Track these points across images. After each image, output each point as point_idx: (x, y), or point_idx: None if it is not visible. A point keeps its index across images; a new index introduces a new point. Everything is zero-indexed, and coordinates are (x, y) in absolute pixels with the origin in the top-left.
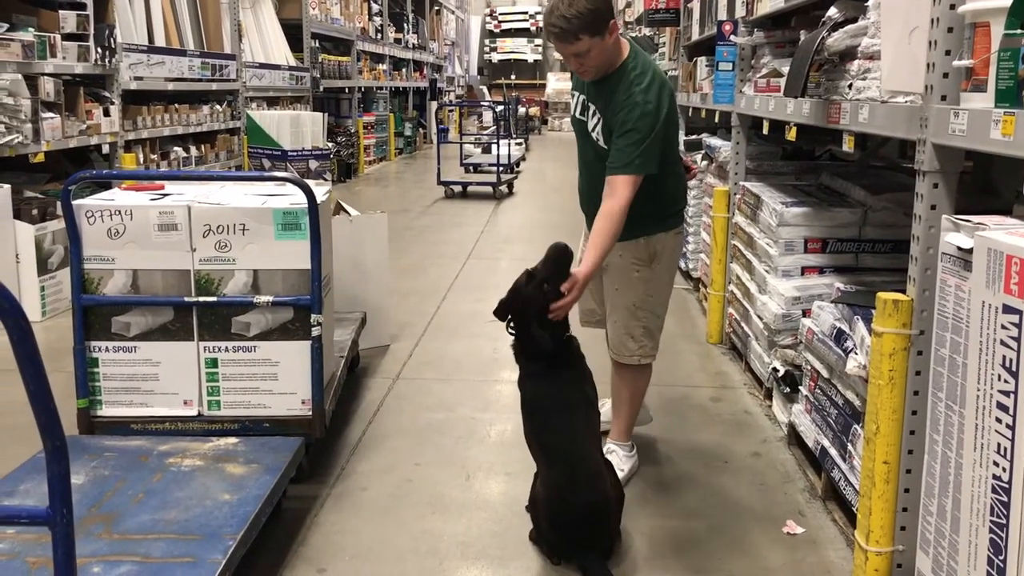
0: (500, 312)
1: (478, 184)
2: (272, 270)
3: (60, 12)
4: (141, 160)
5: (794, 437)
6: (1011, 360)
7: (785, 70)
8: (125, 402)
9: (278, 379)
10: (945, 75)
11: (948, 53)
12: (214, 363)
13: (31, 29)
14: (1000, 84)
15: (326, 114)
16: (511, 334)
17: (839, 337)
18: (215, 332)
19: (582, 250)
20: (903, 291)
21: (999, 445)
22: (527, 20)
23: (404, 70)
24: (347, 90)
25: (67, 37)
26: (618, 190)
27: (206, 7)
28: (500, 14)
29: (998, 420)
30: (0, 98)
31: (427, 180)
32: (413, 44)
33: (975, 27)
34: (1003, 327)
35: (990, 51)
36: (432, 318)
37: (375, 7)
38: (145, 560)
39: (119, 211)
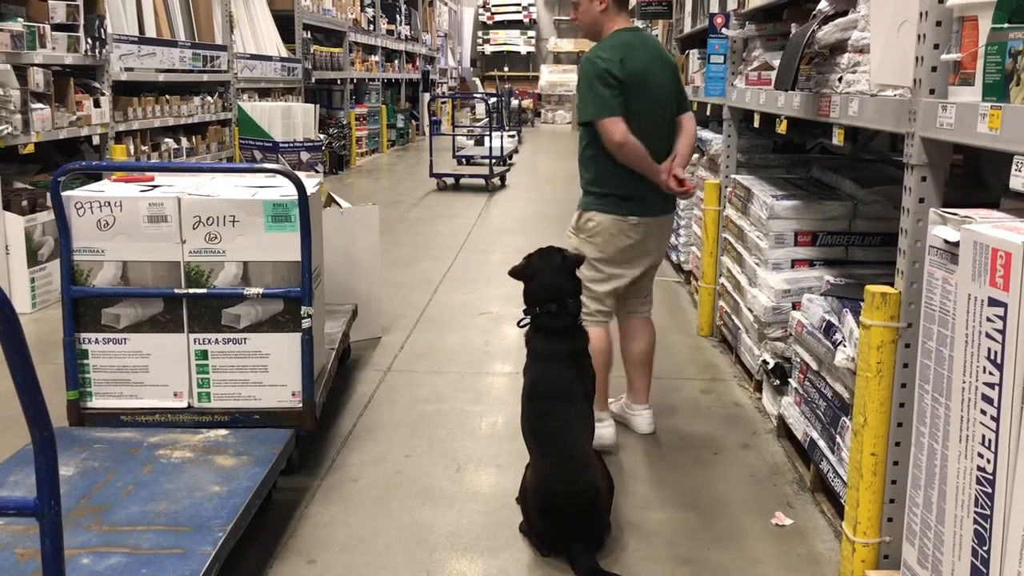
0: (519, 270)
1: (471, 176)
2: (262, 262)
3: (49, 2)
4: (131, 151)
5: (783, 429)
6: (996, 352)
7: (776, 63)
8: (115, 394)
9: (268, 371)
10: (933, 69)
11: (936, 47)
12: (204, 355)
13: (20, 19)
14: (987, 78)
15: (318, 106)
16: (525, 313)
17: (828, 330)
18: (205, 324)
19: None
20: (892, 284)
21: (984, 437)
22: (520, 12)
23: (396, 61)
24: (339, 81)
25: (57, 27)
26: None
27: None
28: (493, 6)
29: (983, 412)
30: None
31: (419, 172)
32: (406, 35)
33: (963, 21)
34: (988, 320)
35: (978, 45)
36: (424, 310)
37: None
38: (135, 551)
39: (109, 202)
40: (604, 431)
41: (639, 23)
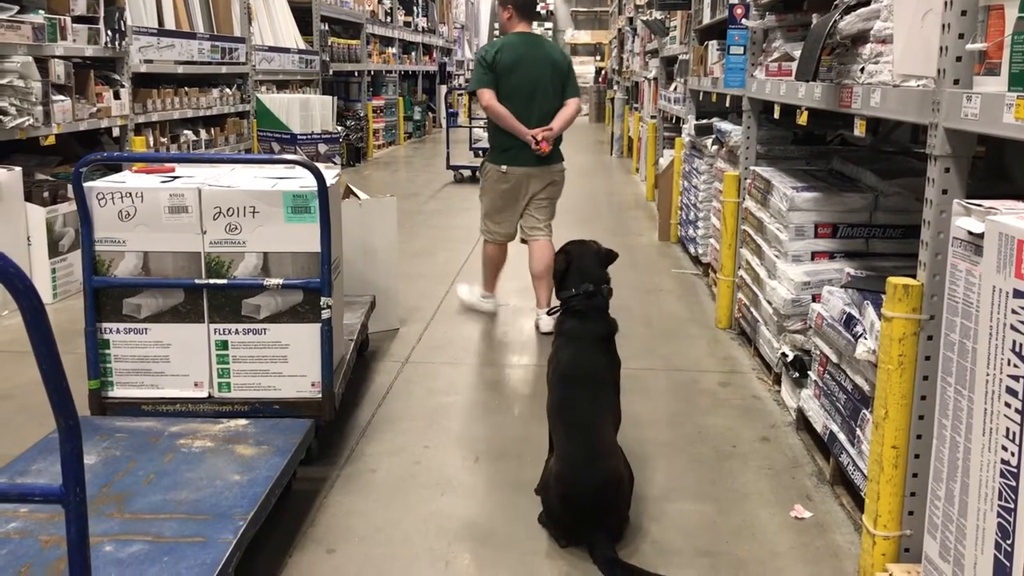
0: (556, 256)
1: None
2: (282, 253)
3: None
4: (151, 143)
5: (803, 422)
6: (1021, 345)
7: (797, 54)
8: (136, 383)
9: (288, 361)
10: (958, 58)
11: (961, 36)
12: (224, 345)
13: (41, 11)
14: (1014, 67)
15: (335, 98)
16: (560, 298)
17: (849, 322)
18: (225, 314)
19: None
20: (914, 276)
21: (1008, 430)
22: (537, 4)
23: (414, 54)
24: (356, 74)
25: (77, 19)
26: None
27: None
28: None
29: (1007, 405)
30: (11, 81)
31: (436, 164)
32: (423, 27)
33: (989, 10)
34: (1013, 312)
35: (1004, 34)
36: (441, 302)
37: None
38: (156, 540)
39: (130, 193)
40: (487, 303)
41: (657, 15)
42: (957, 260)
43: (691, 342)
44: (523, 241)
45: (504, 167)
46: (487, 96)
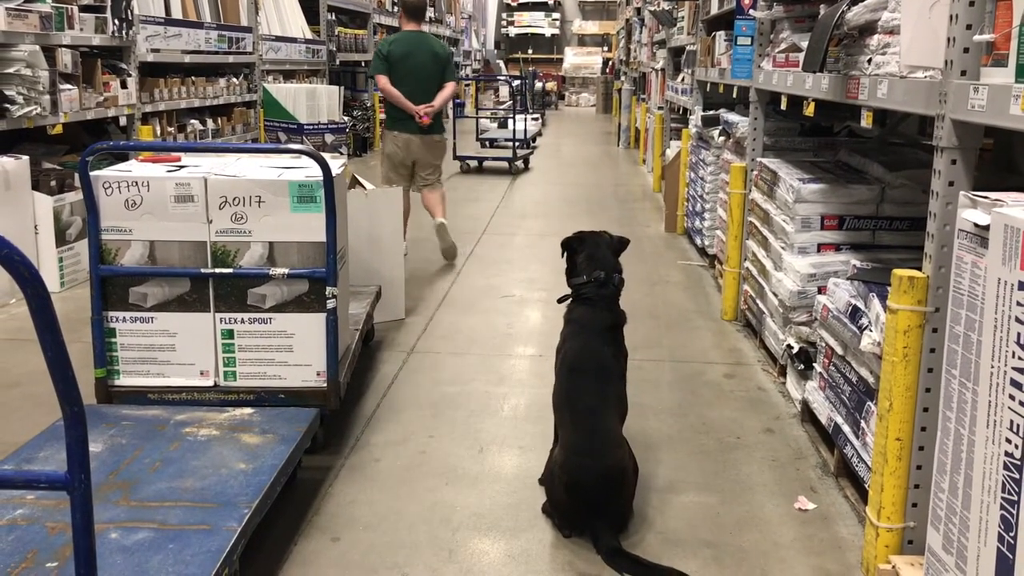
0: (570, 240)
1: (494, 159)
2: (288, 242)
3: None
4: (158, 132)
5: (807, 414)
6: None
7: (804, 45)
8: (142, 372)
9: (293, 351)
10: (966, 50)
11: (969, 27)
12: (230, 334)
13: (48, 0)
14: (1021, 59)
15: (342, 88)
16: (571, 286)
17: (854, 314)
18: (231, 303)
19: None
20: (919, 268)
21: (1012, 422)
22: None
23: None
24: (363, 64)
25: (84, 8)
26: None
27: None
28: None
29: (1011, 397)
30: (18, 69)
31: None
32: (430, 17)
33: (997, 1)
34: (1019, 304)
35: (1012, 25)
36: (447, 293)
37: None
38: (162, 527)
39: (136, 182)
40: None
41: (665, 5)
42: (963, 252)
43: (696, 333)
44: (417, 190)
45: (396, 133)
46: (382, 81)
